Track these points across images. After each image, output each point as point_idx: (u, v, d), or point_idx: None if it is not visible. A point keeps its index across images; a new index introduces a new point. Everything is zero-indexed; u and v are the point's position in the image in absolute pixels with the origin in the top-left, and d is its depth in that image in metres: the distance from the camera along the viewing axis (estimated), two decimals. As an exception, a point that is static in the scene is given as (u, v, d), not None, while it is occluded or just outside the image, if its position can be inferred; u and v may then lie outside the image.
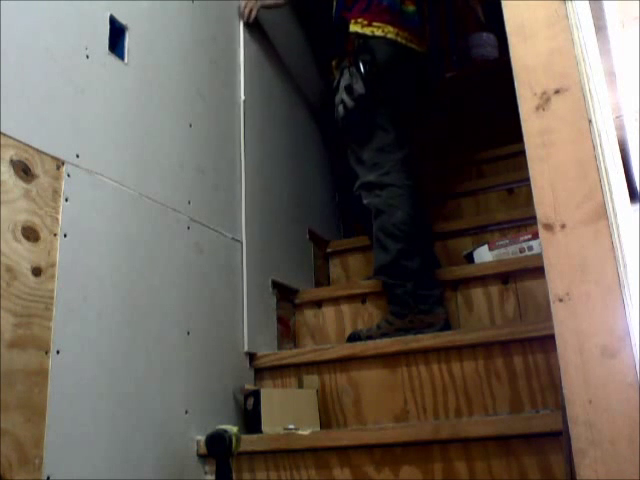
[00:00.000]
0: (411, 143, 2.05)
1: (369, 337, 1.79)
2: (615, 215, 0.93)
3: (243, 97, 1.98)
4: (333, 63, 2.10)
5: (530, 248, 1.91)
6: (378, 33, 1.93)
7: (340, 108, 1.93)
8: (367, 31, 1.94)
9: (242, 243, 1.82)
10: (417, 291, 1.80)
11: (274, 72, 2.28)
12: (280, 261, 2.04)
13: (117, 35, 1.47)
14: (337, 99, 1.95)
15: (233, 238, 1.78)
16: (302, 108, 2.48)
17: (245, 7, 2.08)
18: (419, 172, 2.24)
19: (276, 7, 2.21)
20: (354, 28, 1.96)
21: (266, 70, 2.22)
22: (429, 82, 2.14)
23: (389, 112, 1.96)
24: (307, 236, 2.29)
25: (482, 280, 1.84)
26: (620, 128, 1.09)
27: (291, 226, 2.19)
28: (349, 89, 1.90)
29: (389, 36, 1.93)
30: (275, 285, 1.96)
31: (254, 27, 2.14)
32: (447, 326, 1.79)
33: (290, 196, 2.21)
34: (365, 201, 1.95)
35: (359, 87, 1.89)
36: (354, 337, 1.84)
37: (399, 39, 1.94)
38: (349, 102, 1.91)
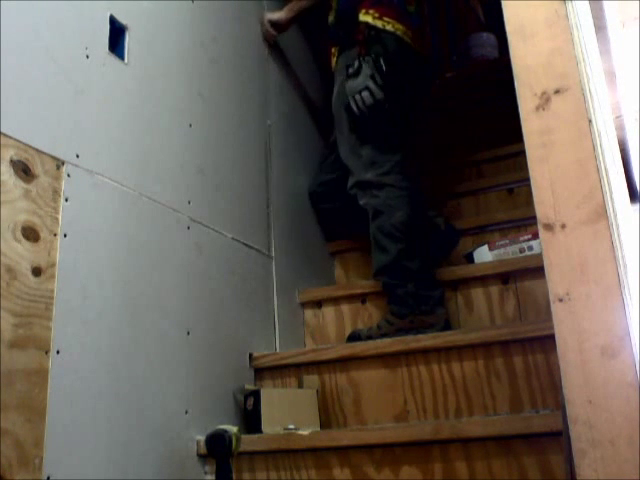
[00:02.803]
0: (408, 145, 2.04)
1: (369, 337, 1.79)
2: (615, 215, 0.93)
3: (269, 122, 2.10)
4: (333, 50, 2.06)
5: (530, 248, 1.91)
6: (389, 28, 1.93)
7: (367, 95, 1.85)
8: (379, 24, 1.93)
9: (272, 258, 1.95)
10: (418, 292, 1.80)
11: (294, 96, 2.38)
12: (306, 273, 2.16)
13: (117, 35, 1.47)
14: (355, 85, 1.88)
15: (264, 253, 1.92)
16: (313, 126, 2.52)
17: (265, 32, 2.17)
18: (419, 172, 2.24)
19: (280, 27, 2.20)
20: (365, 18, 1.94)
21: (287, 95, 2.31)
22: (425, 85, 2.13)
23: (393, 111, 1.94)
24: (327, 249, 2.35)
25: (482, 280, 1.84)
26: (620, 128, 1.09)
27: (313, 240, 2.27)
28: (374, 79, 1.86)
29: (398, 33, 1.93)
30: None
31: (277, 54, 2.24)
32: (447, 326, 1.78)
33: (311, 212, 2.28)
34: (362, 201, 1.93)
35: (378, 79, 1.86)
36: (354, 337, 1.84)
37: (405, 37, 1.94)
38: (378, 93, 1.85)
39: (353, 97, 1.89)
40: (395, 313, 1.81)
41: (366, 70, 1.87)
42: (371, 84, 1.85)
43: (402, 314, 1.80)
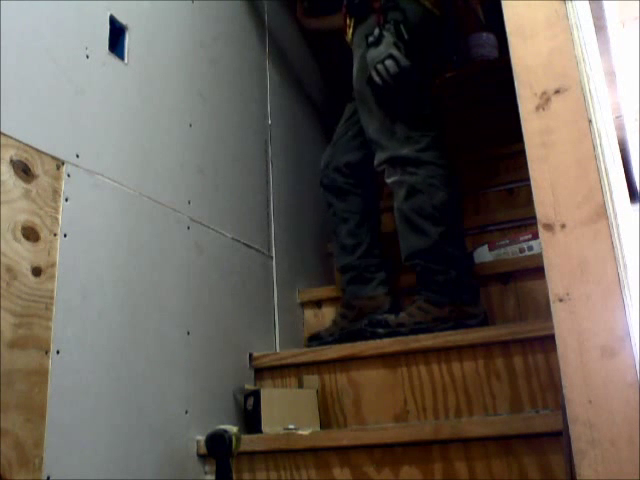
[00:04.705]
0: (442, 120, 1.92)
1: (400, 325, 1.70)
2: (615, 215, 0.93)
3: (270, 122, 2.12)
4: (348, 21, 1.94)
5: (530, 248, 1.91)
6: None
7: (390, 63, 1.70)
8: None
9: (273, 258, 1.96)
10: (461, 279, 1.70)
11: (294, 96, 2.39)
12: (306, 273, 2.17)
13: (117, 35, 1.47)
14: (376, 54, 1.73)
15: (264, 253, 1.93)
16: (313, 125, 2.53)
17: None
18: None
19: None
20: None
21: (287, 95, 2.32)
22: (445, 51, 2.04)
23: (423, 82, 1.84)
24: (327, 249, 2.34)
25: (482, 280, 1.83)
26: (620, 128, 1.10)
27: (313, 240, 2.27)
28: (398, 46, 1.72)
29: None
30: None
31: (277, 54, 2.26)
32: (486, 320, 1.70)
33: (311, 212, 2.28)
34: (391, 179, 1.78)
35: (401, 47, 1.73)
36: (377, 324, 1.73)
37: (426, 3, 1.83)
38: (403, 60, 1.70)
39: (375, 67, 1.73)
40: (432, 301, 1.70)
41: (388, 37, 1.72)
42: (394, 51, 1.70)
43: (441, 302, 1.69)
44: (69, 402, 1.16)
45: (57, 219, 1.20)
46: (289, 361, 1.76)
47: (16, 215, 1.11)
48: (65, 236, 1.21)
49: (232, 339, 1.69)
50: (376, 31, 1.75)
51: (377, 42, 1.74)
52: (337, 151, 2.04)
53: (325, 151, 2.10)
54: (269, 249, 1.97)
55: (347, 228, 1.96)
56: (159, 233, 1.48)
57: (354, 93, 1.93)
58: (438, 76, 2.11)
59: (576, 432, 0.88)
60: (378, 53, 1.73)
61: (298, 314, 2.06)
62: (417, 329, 1.68)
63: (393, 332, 1.70)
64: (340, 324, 1.89)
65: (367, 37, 1.77)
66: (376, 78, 1.74)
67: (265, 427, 1.54)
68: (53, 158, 1.22)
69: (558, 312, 0.92)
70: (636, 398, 0.85)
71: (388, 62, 1.71)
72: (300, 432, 1.46)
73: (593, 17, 1.08)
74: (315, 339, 1.90)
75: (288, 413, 1.60)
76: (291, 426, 1.54)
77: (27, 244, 1.12)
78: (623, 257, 0.92)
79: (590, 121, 0.96)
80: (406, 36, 1.73)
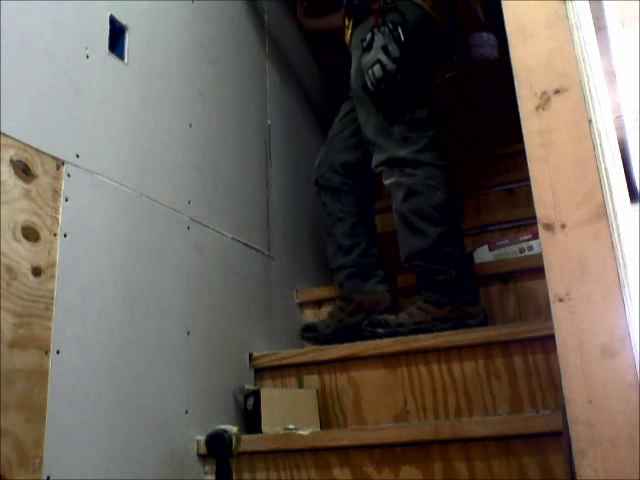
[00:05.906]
0: (439, 123, 1.92)
1: (400, 325, 1.70)
2: (615, 215, 0.93)
3: (270, 122, 2.13)
4: (347, 22, 1.95)
5: (530, 248, 1.91)
6: None
7: (377, 68, 1.72)
8: None
9: (272, 258, 1.97)
10: (461, 279, 1.70)
11: (294, 96, 2.40)
12: (305, 273, 2.18)
13: (117, 35, 1.47)
14: (368, 60, 1.76)
15: (264, 253, 1.93)
16: (313, 125, 2.53)
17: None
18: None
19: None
20: None
21: (287, 95, 2.33)
22: (444, 55, 2.03)
23: (420, 84, 1.85)
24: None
25: (482, 280, 1.83)
26: (620, 128, 1.10)
27: (313, 240, 2.27)
28: (386, 50, 1.73)
29: (416, 0, 1.83)
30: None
31: (277, 54, 2.27)
32: (486, 320, 1.70)
33: (310, 212, 2.28)
34: (389, 180, 1.79)
35: (393, 49, 1.73)
36: (378, 324, 1.73)
37: (425, 5, 1.83)
38: (389, 64, 1.71)
39: (367, 73, 1.76)
40: (431, 301, 1.71)
41: (378, 42, 1.74)
42: (382, 56, 1.72)
43: (441, 303, 1.69)
44: (69, 402, 1.16)
45: (57, 219, 1.20)
46: (289, 361, 1.76)
47: (16, 215, 1.11)
48: (65, 236, 1.21)
49: (232, 339, 1.69)
50: (368, 35, 1.77)
51: (369, 47, 1.77)
52: (332, 150, 2.03)
53: (320, 150, 2.09)
54: (269, 249, 1.97)
55: (343, 228, 1.96)
56: (159, 233, 1.48)
57: (351, 92, 1.94)
58: (438, 76, 2.11)
59: (576, 432, 0.88)
60: (369, 58, 1.76)
61: (298, 314, 2.06)
62: (417, 329, 1.68)
63: (393, 332, 1.70)
64: (337, 316, 1.89)
65: (362, 41, 1.79)
66: (368, 83, 1.76)
67: (265, 427, 1.54)
68: (53, 158, 1.22)
69: (558, 312, 0.92)
70: (636, 398, 0.85)
71: (375, 67, 1.73)
72: (300, 432, 1.46)
73: (593, 17, 1.08)
74: (310, 330, 1.91)
75: (288, 413, 1.60)
76: (291, 426, 1.54)
77: (27, 244, 1.12)
78: (623, 257, 0.92)
79: (590, 121, 0.96)
80: (403, 38, 1.74)
